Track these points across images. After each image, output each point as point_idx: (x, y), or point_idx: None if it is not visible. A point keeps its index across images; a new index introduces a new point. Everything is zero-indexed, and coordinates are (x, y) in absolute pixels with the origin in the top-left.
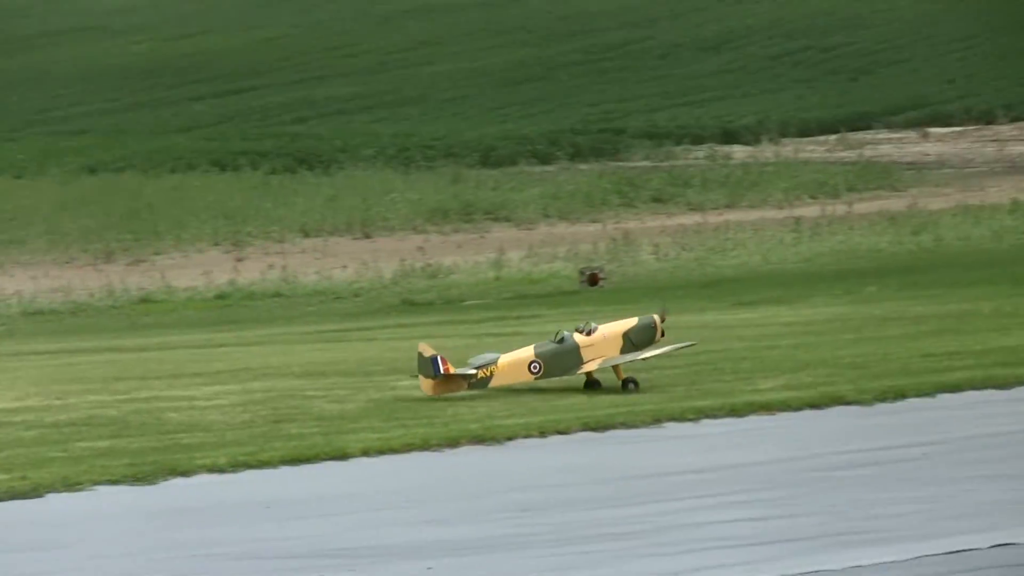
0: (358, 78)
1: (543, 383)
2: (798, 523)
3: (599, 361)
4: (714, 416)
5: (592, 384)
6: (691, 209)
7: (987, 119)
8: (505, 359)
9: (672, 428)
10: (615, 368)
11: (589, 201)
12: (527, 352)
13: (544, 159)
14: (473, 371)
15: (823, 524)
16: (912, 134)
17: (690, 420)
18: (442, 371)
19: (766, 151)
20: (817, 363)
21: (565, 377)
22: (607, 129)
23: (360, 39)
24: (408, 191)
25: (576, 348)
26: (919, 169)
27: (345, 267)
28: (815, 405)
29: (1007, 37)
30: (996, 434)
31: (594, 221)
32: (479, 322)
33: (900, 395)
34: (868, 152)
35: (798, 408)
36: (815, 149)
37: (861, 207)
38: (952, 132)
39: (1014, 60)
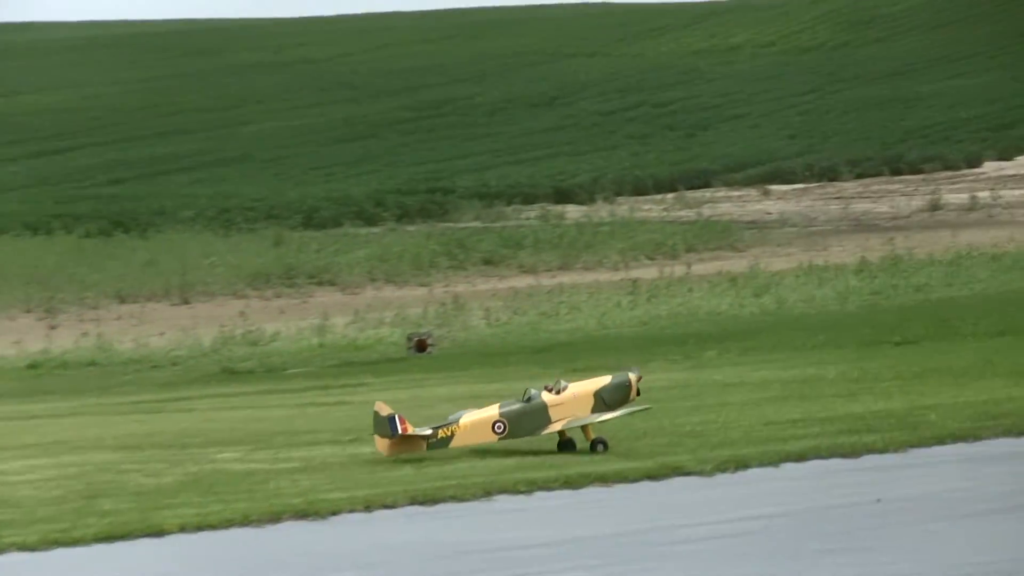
0: (176, 137)
1: (509, 444)
2: None
3: (564, 422)
4: (548, 488)
5: (565, 445)
6: (523, 271)
7: (830, 176)
8: (467, 418)
9: (504, 501)
10: (584, 428)
11: (417, 264)
12: (491, 411)
13: (370, 220)
14: (431, 431)
15: None
16: (753, 192)
17: (523, 492)
18: (400, 431)
19: (601, 211)
20: (655, 432)
21: (531, 438)
22: (435, 189)
23: (178, 97)
24: (228, 254)
25: (544, 407)
26: (760, 228)
27: (163, 334)
28: (653, 476)
29: (850, 91)
30: (841, 505)
31: (422, 284)
32: (302, 391)
33: (742, 465)
34: (707, 211)
35: (635, 479)
36: (652, 208)
37: (700, 268)
38: (794, 189)
39: (858, 114)
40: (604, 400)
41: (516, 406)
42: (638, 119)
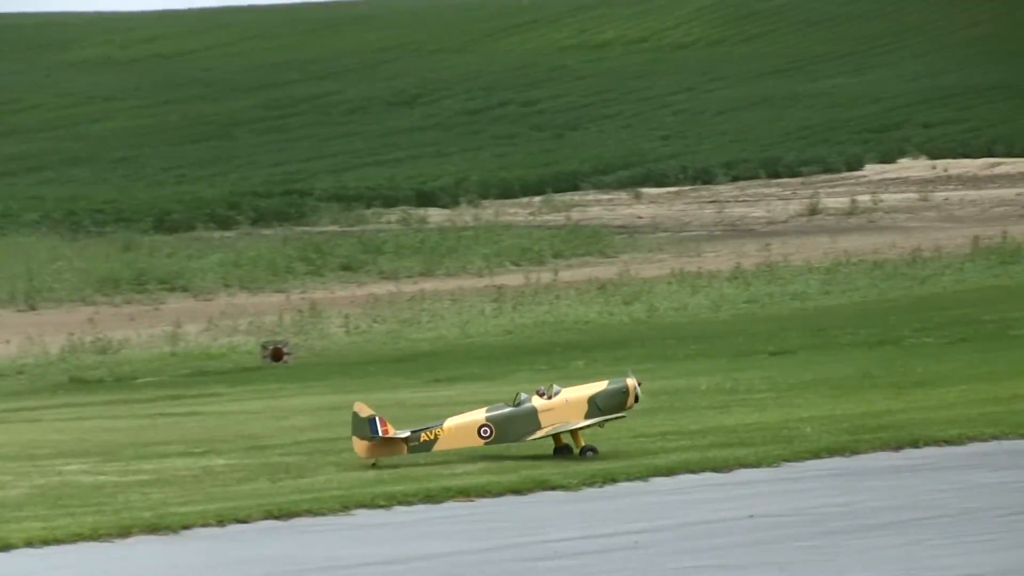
0: (21, 137)
1: (495, 448)
2: None
3: (549, 428)
4: (407, 502)
5: (562, 450)
6: (383, 278)
7: (705, 178)
8: (452, 422)
9: (362, 515)
10: (573, 435)
11: (273, 269)
12: (478, 415)
13: (224, 224)
14: (411, 433)
15: None
16: (623, 195)
17: (382, 507)
18: (380, 433)
19: (465, 214)
20: (521, 444)
21: (521, 443)
22: (292, 191)
23: (23, 94)
24: (76, 259)
25: (533, 412)
26: (631, 233)
27: (8, 341)
28: (517, 490)
29: (726, 90)
30: (712, 521)
31: (278, 291)
32: (152, 401)
33: (609, 479)
34: (576, 215)
35: (499, 494)
36: (518, 212)
37: (568, 275)
38: (667, 193)
39: (733, 115)
40: (599, 406)
41: (504, 410)
42: (504, 119)
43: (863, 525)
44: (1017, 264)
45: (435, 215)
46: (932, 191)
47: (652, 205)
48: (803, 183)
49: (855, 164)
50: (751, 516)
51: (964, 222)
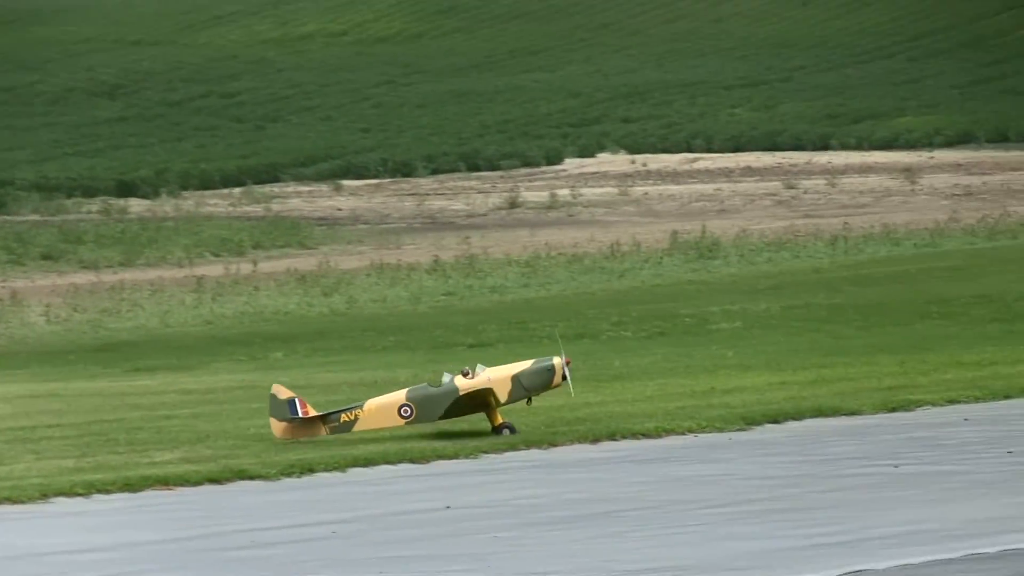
0: None
1: (416, 429)
2: None
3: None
4: (106, 491)
5: (501, 429)
6: (84, 267)
7: (405, 171)
8: (373, 402)
9: (62, 503)
10: (489, 414)
11: None
12: (398, 395)
13: None
14: (331, 414)
15: None
16: (324, 187)
17: (81, 495)
18: (300, 414)
19: (165, 205)
20: (219, 434)
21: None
22: None
23: None
24: None
25: (454, 391)
26: (331, 225)
27: None
28: (216, 480)
29: (426, 83)
30: (410, 512)
31: None
32: None
33: (308, 469)
34: (276, 206)
35: (198, 483)
36: (218, 203)
37: (268, 266)
38: (367, 185)
39: (433, 108)
40: (523, 385)
41: (425, 390)
42: (205, 110)
43: (561, 517)
44: (715, 259)
45: (136, 205)
46: (631, 186)
47: (352, 197)
48: (503, 177)
49: (555, 158)
50: (448, 507)
51: (663, 217)
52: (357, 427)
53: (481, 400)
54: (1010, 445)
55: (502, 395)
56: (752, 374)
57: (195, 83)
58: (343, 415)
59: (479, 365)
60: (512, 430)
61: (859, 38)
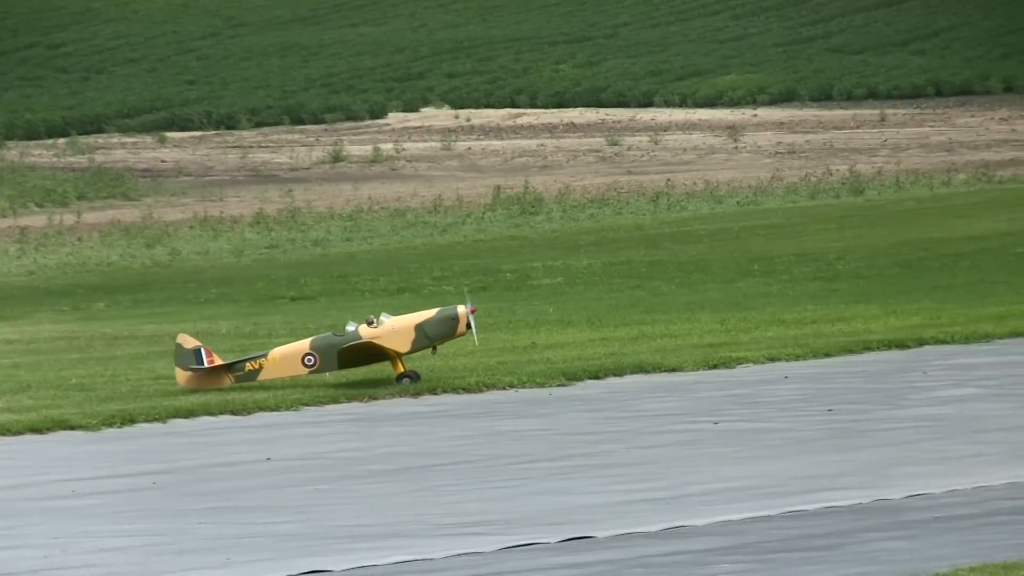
0: None
1: (319, 378)
2: (18, 556)
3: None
4: None
5: (404, 377)
6: None
7: (229, 124)
8: (277, 351)
9: None
10: (393, 362)
11: None
12: (303, 344)
13: None
14: (235, 363)
15: (47, 558)
16: (148, 139)
17: None
18: (206, 363)
19: None
20: (40, 384)
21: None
22: None
23: None
24: None
25: (357, 340)
26: (155, 176)
27: None
28: (37, 429)
29: (250, 36)
30: (230, 463)
31: None
32: None
33: (128, 420)
34: (100, 157)
35: (19, 432)
36: (43, 154)
37: (92, 217)
38: (191, 137)
39: (257, 61)
40: (427, 334)
41: (329, 339)
42: (30, 61)
43: (379, 470)
44: (537, 215)
45: None
46: (455, 140)
47: (176, 149)
48: (326, 130)
49: (379, 112)
50: (269, 459)
51: (486, 172)
52: (262, 376)
53: (378, 351)
54: (830, 403)
55: (404, 344)
56: (573, 330)
57: (20, 33)
58: (247, 364)
59: (383, 314)
60: (414, 378)
61: None
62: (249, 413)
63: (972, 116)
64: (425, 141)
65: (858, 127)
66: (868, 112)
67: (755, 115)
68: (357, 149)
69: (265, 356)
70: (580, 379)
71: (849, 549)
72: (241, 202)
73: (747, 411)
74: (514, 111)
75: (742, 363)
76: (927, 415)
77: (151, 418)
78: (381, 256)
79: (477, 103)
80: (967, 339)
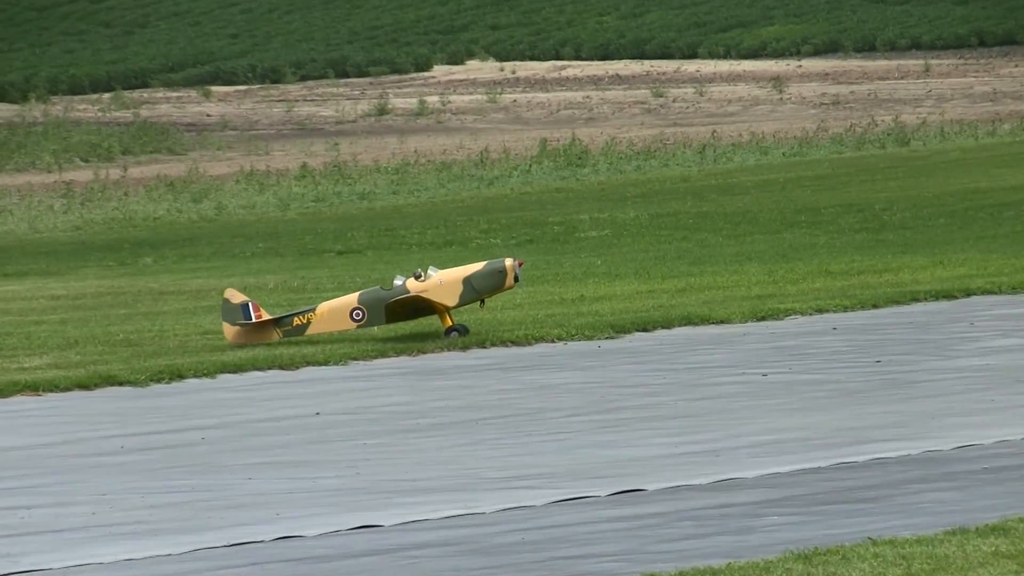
0: None
1: (368, 331)
2: (67, 512)
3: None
4: None
5: (452, 331)
6: None
7: (273, 78)
8: (325, 305)
9: None
10: (441, 316)
11: None
12: (350, 298)
13: None
14: (283, 318)
15: (96, 515)
16: (192, 93)
17: None
18: (254, 318)
19: (34, 110)
20: (87, 340)
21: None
22: None
23: None
24: None
25: (405, 294)
26: (200, 131)
27: None
28: (84, 385)
29: None
30: (279, 418)
31: None
32: None
33: (177, 375)
34: (145, 112)
35: (67, 388)
36: (87, 108)
37: (137, 172)
38: (236, 91)
39: (301, 14)
40: (474, 287)
41: (377, 293)
42: (73, 15)
43: (429, 425)
44: (583, 167)
45: (4, 110)
46: (500, 93)
47: (221, 103)
48: (371, 83)
49: (423, 65)
50: (318, 414)
51: (531, 124)
52: (310, 331)
53: (425, 305)
54: (878, 354)
55: (452, 298)
56: (621, 282)
57: None
58: (295, 319)
59: (431, 268)
60: (462, 332)
61: None
62: (297, 368)
63: (1016, 67)
64: (470, 94)
65: (902, 78)
66: (912, 63)
67: (799, 66)
68: (402, 102)
69: (313, 310)
70: (628, 331)
71: (898, 500)
72: (286, 156)
73: (795, 363)
74: (559, 63)
75: (790, 315)
76: (975, 365)
77: (199, 373)
78: (427, 209)
79: (522, 55)
80: (1014, 289)
